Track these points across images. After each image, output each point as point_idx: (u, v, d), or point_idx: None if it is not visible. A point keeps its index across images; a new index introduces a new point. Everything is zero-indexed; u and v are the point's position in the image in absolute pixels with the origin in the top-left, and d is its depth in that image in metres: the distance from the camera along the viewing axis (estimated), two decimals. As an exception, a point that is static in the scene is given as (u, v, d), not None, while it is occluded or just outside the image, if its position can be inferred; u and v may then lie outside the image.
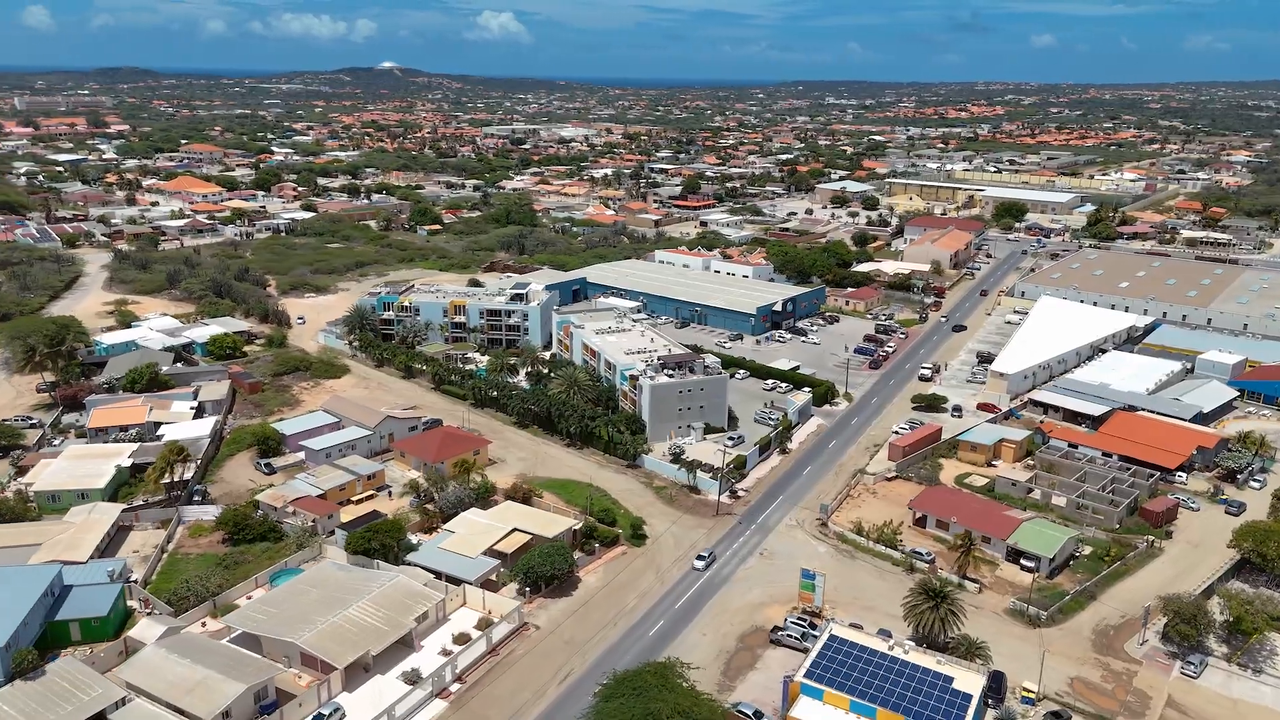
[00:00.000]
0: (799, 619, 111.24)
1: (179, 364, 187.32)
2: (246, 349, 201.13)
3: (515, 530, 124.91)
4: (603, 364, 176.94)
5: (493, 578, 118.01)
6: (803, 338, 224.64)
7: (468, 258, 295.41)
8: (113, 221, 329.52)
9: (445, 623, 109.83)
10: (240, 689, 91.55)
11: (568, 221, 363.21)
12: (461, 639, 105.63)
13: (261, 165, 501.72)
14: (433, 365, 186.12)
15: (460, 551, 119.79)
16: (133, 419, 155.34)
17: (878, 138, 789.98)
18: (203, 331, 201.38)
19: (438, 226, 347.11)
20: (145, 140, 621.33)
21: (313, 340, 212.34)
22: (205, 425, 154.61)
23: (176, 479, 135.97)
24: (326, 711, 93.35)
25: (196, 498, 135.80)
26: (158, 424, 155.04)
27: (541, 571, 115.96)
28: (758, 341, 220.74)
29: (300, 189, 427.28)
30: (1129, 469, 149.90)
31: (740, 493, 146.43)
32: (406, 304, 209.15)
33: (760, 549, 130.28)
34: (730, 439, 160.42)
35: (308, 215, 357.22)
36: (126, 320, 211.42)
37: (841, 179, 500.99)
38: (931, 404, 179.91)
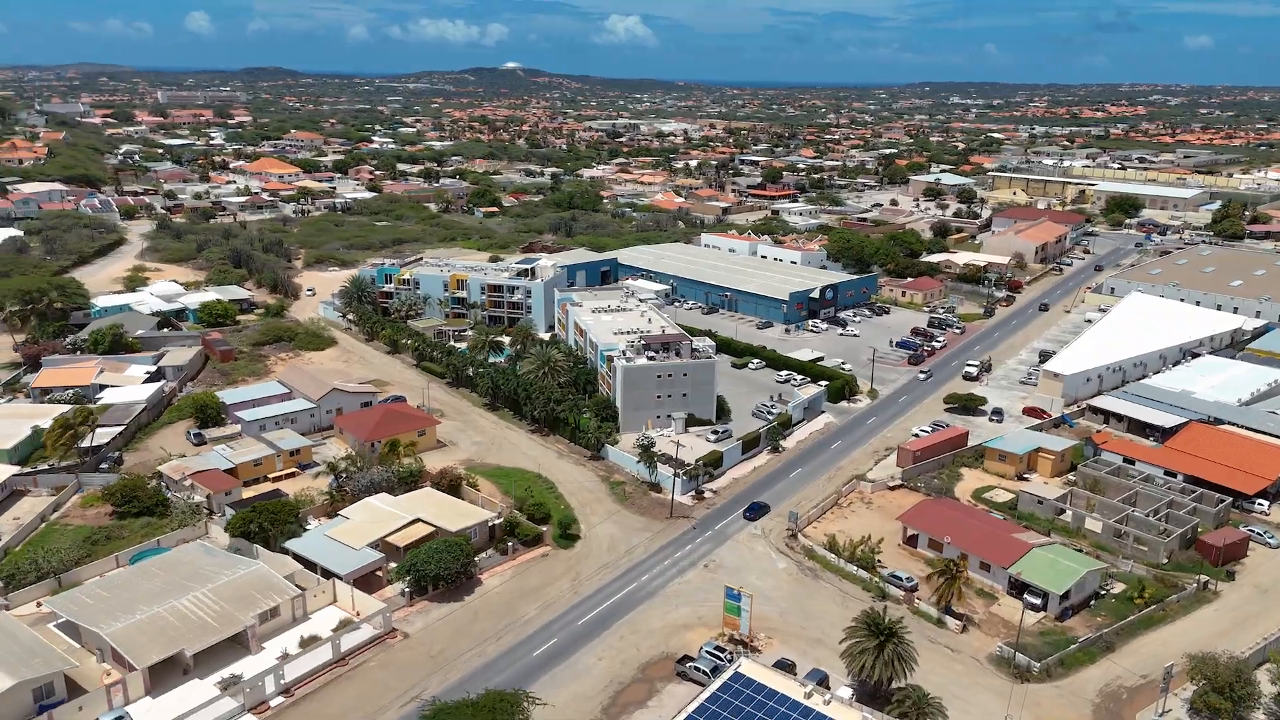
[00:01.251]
0: (717, 649, 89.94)
1: (165, 329, 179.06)
2: (241, 318, 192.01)
3: (418, 521, 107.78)
4: (588, 345, 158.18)
5: (378, 573, 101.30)
6: (841, 329, 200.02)
7: (512, 238, 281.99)
8: (180, 196, 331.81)
9: (304, 622, 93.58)
10: (8, 684, 77.48)
11: (629, 207, 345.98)
12: (309, 643, 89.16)
13: (353, 151, 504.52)
14: (415, 340, 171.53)
15: (344, 541, 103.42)
16: (78, 380, 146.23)
17: (996, 135, 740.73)
18: (197, 298, 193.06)
19: (495, 209, 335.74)
20: (257, 129, 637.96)
21: (314, 312, 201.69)
22: (145, 390, 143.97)
23: (89, 444, 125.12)
24: (107, 718, 78.27)
25: (104, 465, 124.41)
26: (102, 387, 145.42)
27: (427, 570, 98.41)
28: (787, 330, 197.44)
29: (377, 172, 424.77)
30: (1195, 492, 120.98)
31: (708, 493, 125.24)
32: (407, 277, 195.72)
33: (707, 560, 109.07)
34: (715, 432, 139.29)
35: (370, 195, 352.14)
36: (134, 284, 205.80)
37: (941, 173, 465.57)
38: (967, 405, 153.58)
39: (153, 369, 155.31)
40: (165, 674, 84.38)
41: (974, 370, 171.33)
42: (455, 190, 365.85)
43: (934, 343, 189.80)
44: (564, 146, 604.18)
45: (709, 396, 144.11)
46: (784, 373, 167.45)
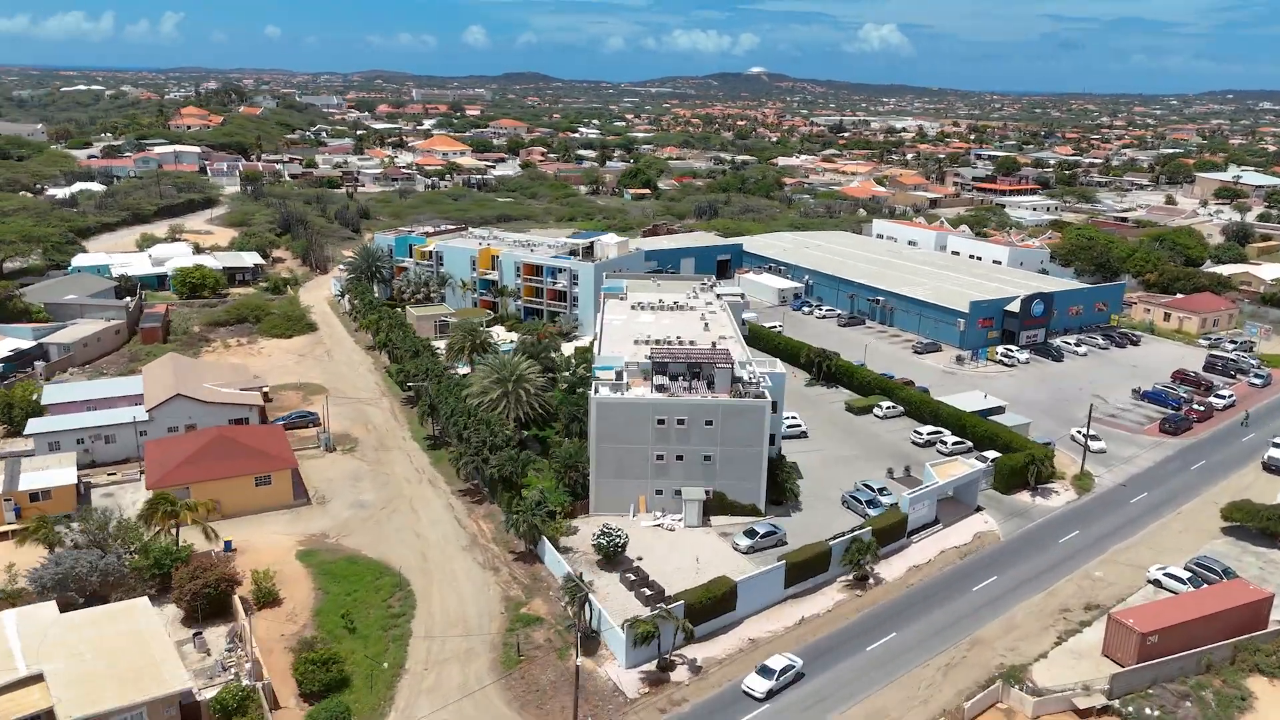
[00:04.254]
0: None
1: (126, 298, 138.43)
2: (238, 290, 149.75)
3: (37, 681, 53.53)
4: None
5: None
6: (1053, 360, 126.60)
7: (644, 220, 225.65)
8: (321, 166, 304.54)
9: None
10: None
11: (808, 193, 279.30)
12: None
13: (549, 140, 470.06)
14: (395, 334, 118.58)
15: None
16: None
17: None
18: (186, 263, 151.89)
19: (646, 190, 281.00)
20: (470, 120, 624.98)
21: (329, 289, 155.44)
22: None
23: None
24: None
25: None
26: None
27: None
28: (960, 358, 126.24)
29: (547, 155, 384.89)
30: None
31: (683, 670, 62.08)
32: (430, 248, 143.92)
33: None
34: (752, 533, 75.41)
35: (514, 174, 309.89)
36: (145, 245, 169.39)
37: (1242, 171, 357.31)
38: (1271, 528, 78.81)
39: (26, 345, 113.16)
40: None
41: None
42: (602, 171, 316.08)
43: (1214, 397, 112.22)
44: (773, 139, 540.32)
45: (754, 465, 79.72)
46: (929, 429, 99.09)
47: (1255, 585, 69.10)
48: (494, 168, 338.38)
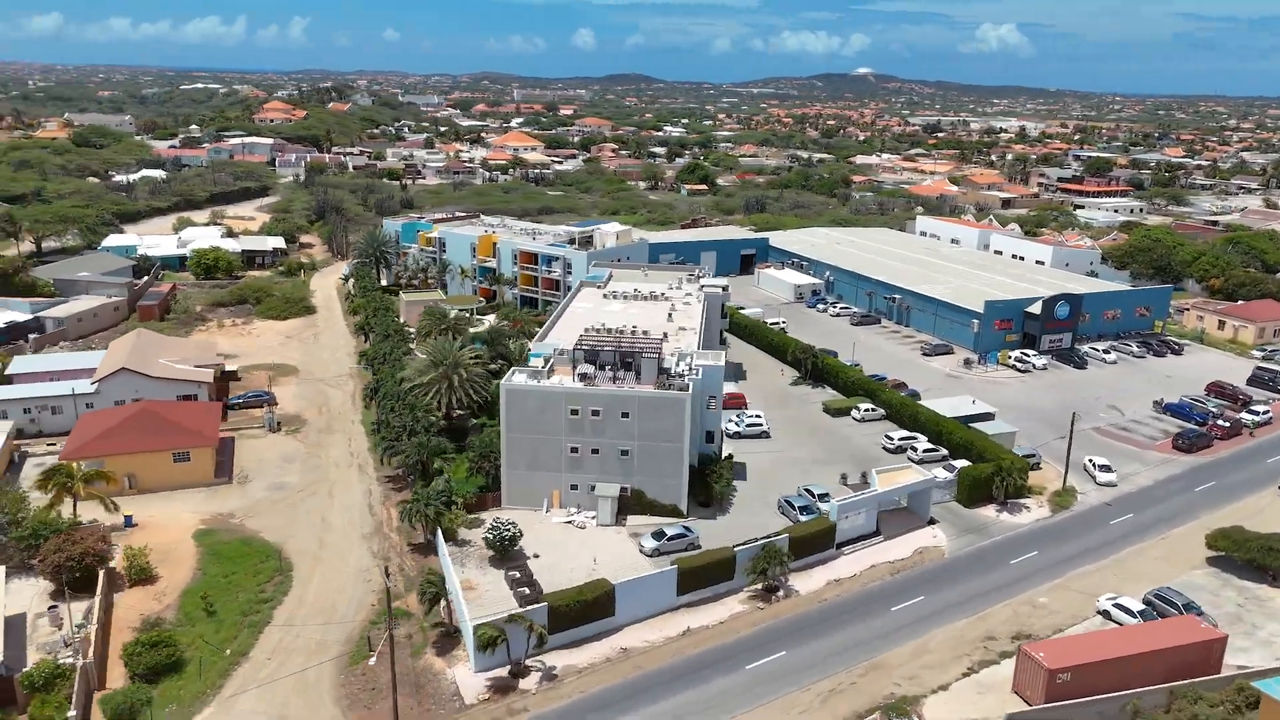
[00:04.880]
0: None
1: (143, 277, 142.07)
2: (256, 272, 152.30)
3: None
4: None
5: None
6: (1075, 367, 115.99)
7: (686, 214, 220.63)
8: (387, 159, 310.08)
9: None
10: None
11: (871, 191, 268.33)
12: None
13: (628, 138, 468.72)
14: (379, 320, 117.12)
15: None
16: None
17: None
18: (206, 245, 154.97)
19: (703, 186, 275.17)
20: (555, 118, 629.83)
21: (343, 274, 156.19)
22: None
23: None
24: None
25: None
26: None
27: None
28: (968, 362, 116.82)
29: (618, 152, 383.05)
30: None
31: (536, 677, 57.41)
32: (434, 235, 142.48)
33: None
34: (661, 535, 70.01)
35: (572, 168, 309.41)
36: (180, 228, 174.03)
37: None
38: (1259, 559, 68.64)
39: (22, 318, 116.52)
40: None
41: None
42: (660, 166, 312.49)
43: (1246, 413, 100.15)
44: (860, 138, 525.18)
45: (675, 462, 74.14)
46: (901, 434, 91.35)
47: (1210, 624, 59.91)
48: (560, 163, 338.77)
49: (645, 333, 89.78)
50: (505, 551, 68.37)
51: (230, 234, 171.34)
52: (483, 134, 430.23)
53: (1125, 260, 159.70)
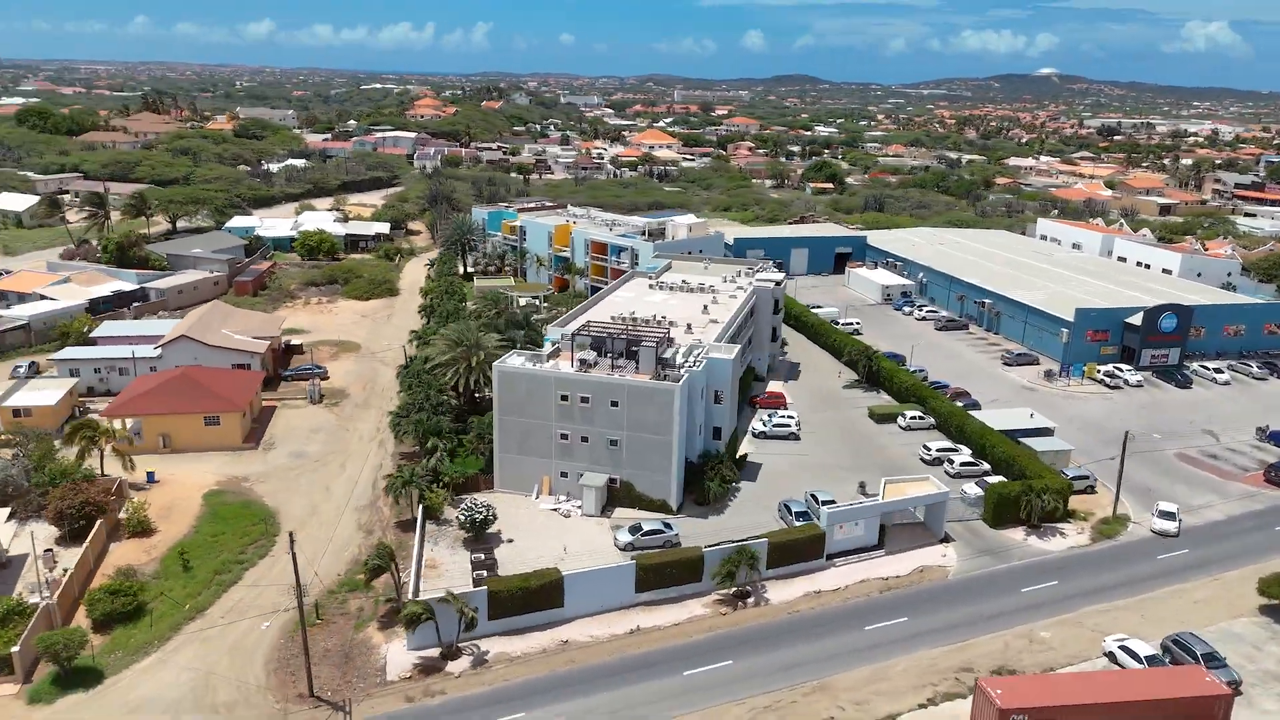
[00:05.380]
0: None
1: (249, 256, 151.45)
2: (359, 255, 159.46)
3: None
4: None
5: None
6: (1177, 386, 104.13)
7: (799, 211, 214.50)
8: (521, 154, 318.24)
9: None
10: None
11: (1011, 193, 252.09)
12: None
13: (770, 136, 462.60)
14: (442, 301, 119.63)
15: None
16: (24, 285, 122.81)
17: None
18: (314, 227, 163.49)
19: (829, 184, 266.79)
20: (705, 118, 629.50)
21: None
22: (56, 308, 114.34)
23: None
24: None
25: None
26: (42, 297, 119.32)
27: None
28: (1049, 374, 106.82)
29: (754, 150, 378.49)
30: None
31: (467, 660, 56.41)
32: (518, 224, 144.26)
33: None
34: (637, 530, 67.62)
35: (699, 165, 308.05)
36: (300, 211, 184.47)
37: None
38: (1322, 614, 59.02)
39: (129, 288, 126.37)
40: None
41: None
42: (788, 166, 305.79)
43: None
44: (1021, 140, 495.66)
45: (663, 455, 71.28)
46: (940, 445, 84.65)
47: (1227, 679, 51.73)
48: (692, 160, 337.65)
49: (671, 323, 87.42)
50: (479, 533, 67.83)
51: (344, 219, 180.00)
52: (624, 132, 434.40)
53: (1274, 272, 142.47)
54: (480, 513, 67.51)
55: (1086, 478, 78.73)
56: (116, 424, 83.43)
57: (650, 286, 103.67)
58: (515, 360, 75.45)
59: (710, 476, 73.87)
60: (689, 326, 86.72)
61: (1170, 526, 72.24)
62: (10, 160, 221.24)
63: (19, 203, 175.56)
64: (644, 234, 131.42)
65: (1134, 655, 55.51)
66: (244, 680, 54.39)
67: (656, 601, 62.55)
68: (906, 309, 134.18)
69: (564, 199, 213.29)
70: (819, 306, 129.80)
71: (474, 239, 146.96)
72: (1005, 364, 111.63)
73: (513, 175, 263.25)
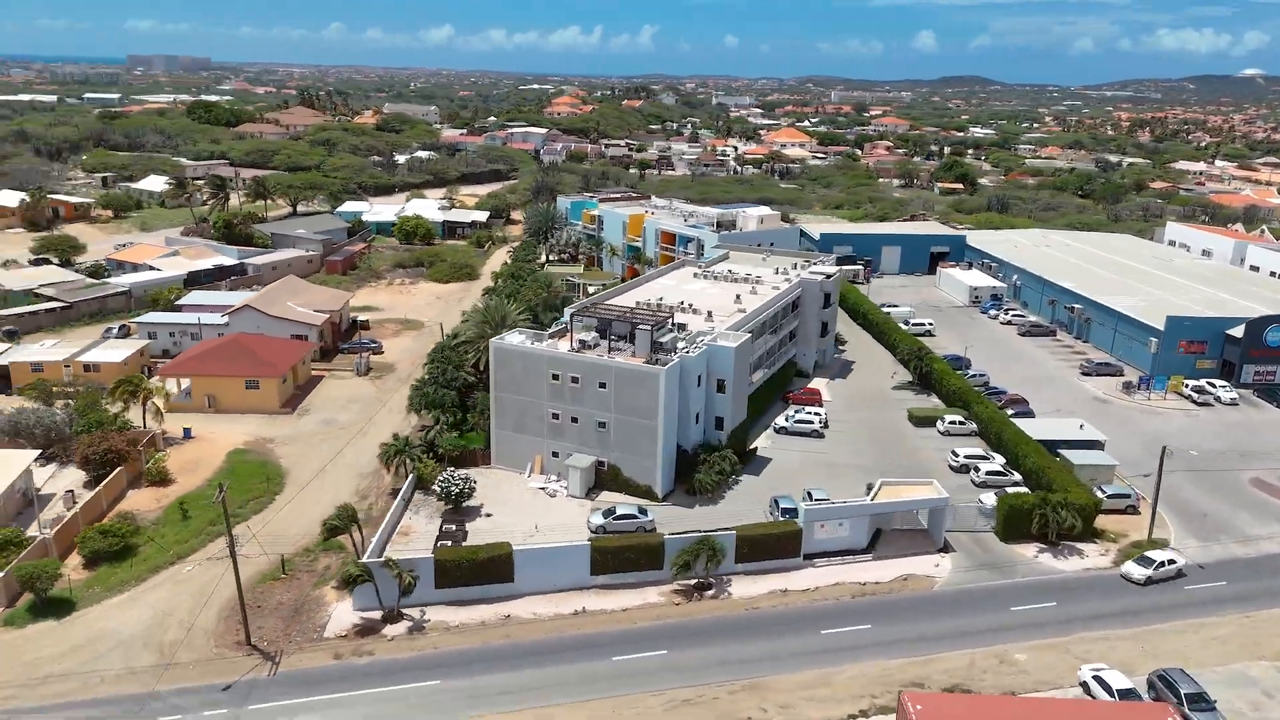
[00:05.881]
0: None
1: (353, 237, 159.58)
2: (452, 241, 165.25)
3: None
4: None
5: None
6: (1278, 406, 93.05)
7: (914, 210, 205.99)
8: (646, 151, 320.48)
9: None
10: None
11: (1159, 198, 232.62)
12: None
13: (913, 136, 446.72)
14: (506, 284, 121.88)
15: None
16: (140, 256, 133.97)
17: None
18: (411, 214, 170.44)
19: (958, 185, 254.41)
20: (852, 117, 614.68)
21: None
22: (156, 277, 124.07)
23: None
24: None
25: None
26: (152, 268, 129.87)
27: None
28: (1127, 385, 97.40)
29: (892, 150, 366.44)
30: None
31: (406, 622, 57.03)
32: (597, 213, 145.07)
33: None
34: (607, 513, 66.58)
35: (818, 163, 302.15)
36: (410, 199, 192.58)
37: None
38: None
39: (230, 262, 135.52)
40: None
41: None
42: (915, 165, 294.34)
43: None
44: (1201, 143, 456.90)
45: (650, 440, 69.70)
46: (968, 452, 78.97)
47: (1181, 716, 45.60)
48: (824, 159, 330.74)
49: (694, 310, 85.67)
50: (457, 504, 68.58)
51: (448, 207, 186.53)
52: (759, 131, 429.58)
53: None
54: (457, 485, 68.18)
55: (1127, 496, 71.49)
56: (171, 384, 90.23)
57: (695, 275, 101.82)
58: (514, 338, 75.83)
59: (703, 467, 71.74)
60: (709, 314, 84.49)
61: (1138, 573, 62.95)
62: (168, 148, 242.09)
63: (161, 185, 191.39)
64: (714, 225, 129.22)
65: (1106, 686, 49.86)
66: (195, 623, 57.01)
67: (613, 586, 61.28)
68: (993, 312, 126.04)
69: (672, 193, 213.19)
70: (894, 305, 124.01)
71: (556, 227, 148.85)
72: (1084, 373, 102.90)
73: (631, 171, 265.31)
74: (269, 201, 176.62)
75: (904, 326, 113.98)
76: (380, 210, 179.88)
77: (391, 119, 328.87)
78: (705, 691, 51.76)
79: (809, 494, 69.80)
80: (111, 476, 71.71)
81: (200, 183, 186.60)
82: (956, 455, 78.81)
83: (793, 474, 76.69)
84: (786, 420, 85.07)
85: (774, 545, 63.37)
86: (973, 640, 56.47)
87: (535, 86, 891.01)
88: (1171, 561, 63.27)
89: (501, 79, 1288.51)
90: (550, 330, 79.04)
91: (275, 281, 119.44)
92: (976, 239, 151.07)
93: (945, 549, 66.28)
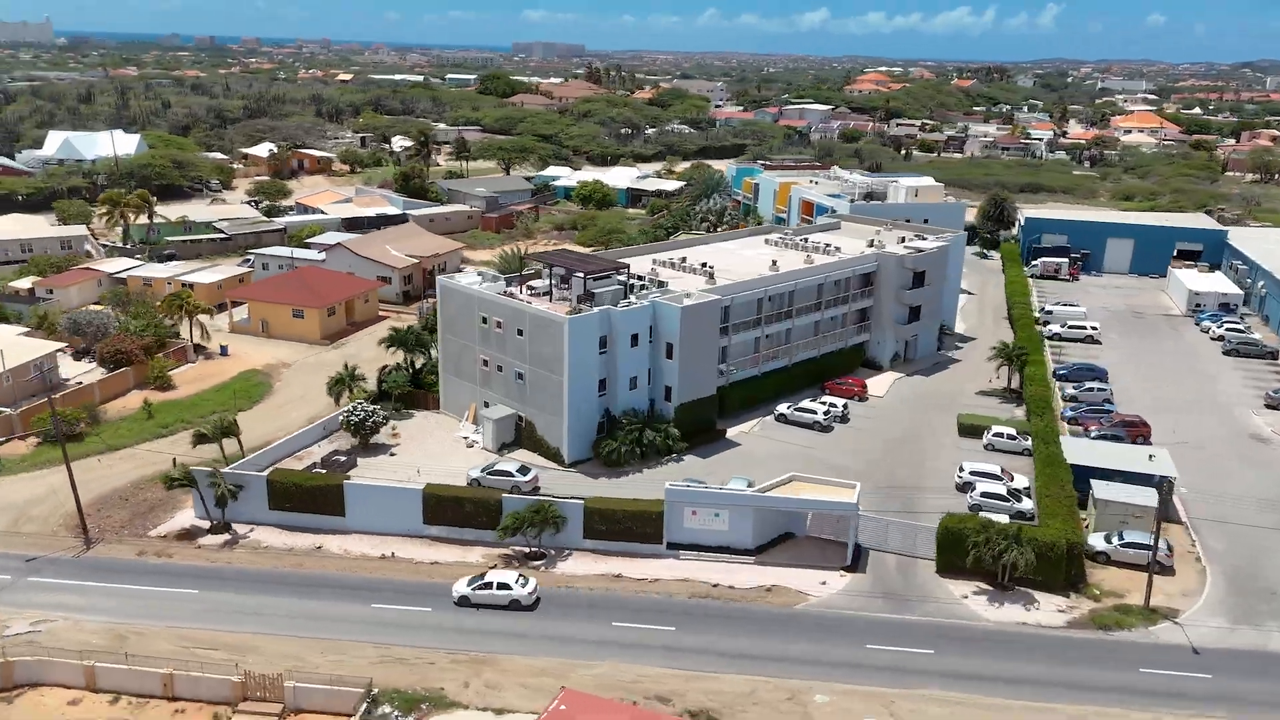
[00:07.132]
0: None
1: (530, 197, 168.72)
2: (619, 208, 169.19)
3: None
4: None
5: None
6: None
7: (1235, 206, 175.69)
8: (942, 130, 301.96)
9: None
10: None
11: None
12: None
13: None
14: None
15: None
16: (319, 200, 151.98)
17: None
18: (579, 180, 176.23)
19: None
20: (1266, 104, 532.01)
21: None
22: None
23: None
24: None
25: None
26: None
27: None
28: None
29: (1276, 139, 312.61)
30: None
31: (214, 537, 60.19)
32: (754, 182, 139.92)
33: None
34: (486, 469, 65.35)
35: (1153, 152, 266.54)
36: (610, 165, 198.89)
37: None
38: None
39: (394, 212, 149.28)
40: None
41: None
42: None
43: None
44: None
45: (555, 398, 66.71)
46: (975, 466, 66.60)
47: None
48: (1170, 146, 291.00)
49: (706, 271, 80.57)
50: (364, 437, 70.75)
51: (658, 175, 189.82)
52: (1107, 116, 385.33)
53: None
54: (359, 416, 70.31)
55: (1147, 548, 56.25)
56: (241, 310, 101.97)
57: (766, 242, 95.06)
58: (464, 277, 76.34)
59: (618, 434, 67.47)
60: (711, 276, 78.80)
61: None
62: (434, 114, 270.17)
63: (401, 145, 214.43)
64: (863, 196, 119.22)
65: (860, 751, 40.24)
66: (62, 506, 64.31)
67: (447, 539, 60.00)
68: (1208, 324, 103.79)
69: (930, 173, 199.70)
70: (1068, 304, 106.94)
71: (719, 193, 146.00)
72: (1268, 405, 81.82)
73: (901, 151, 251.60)
74: (469, 161, 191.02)
75: (1057, 329, 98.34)
76: (572, 176, 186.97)
77: (666, 94, 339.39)
78: (425, 654, 49.29)
79: (719, 485, 63.02)
80: (113, 374, 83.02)
81: (445, 145, 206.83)
82: (962, 470, 66.78)
83: (757, 464, 69.39)
84: (788, 408, 77.12)
85: (631, 525, 58.24)
86: (779, 668, 48.08)
87: (883, 69, 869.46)
88: None
89: (870, 64, 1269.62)
90: (519, 275, 78.44)
91: (396, 226, 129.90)
92: (1239, 235, 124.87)
93: (853, 568, 56.81)
